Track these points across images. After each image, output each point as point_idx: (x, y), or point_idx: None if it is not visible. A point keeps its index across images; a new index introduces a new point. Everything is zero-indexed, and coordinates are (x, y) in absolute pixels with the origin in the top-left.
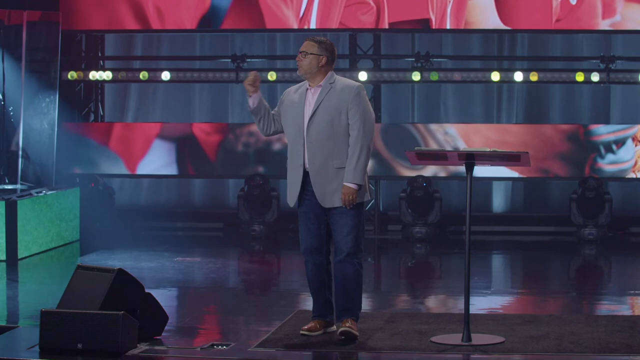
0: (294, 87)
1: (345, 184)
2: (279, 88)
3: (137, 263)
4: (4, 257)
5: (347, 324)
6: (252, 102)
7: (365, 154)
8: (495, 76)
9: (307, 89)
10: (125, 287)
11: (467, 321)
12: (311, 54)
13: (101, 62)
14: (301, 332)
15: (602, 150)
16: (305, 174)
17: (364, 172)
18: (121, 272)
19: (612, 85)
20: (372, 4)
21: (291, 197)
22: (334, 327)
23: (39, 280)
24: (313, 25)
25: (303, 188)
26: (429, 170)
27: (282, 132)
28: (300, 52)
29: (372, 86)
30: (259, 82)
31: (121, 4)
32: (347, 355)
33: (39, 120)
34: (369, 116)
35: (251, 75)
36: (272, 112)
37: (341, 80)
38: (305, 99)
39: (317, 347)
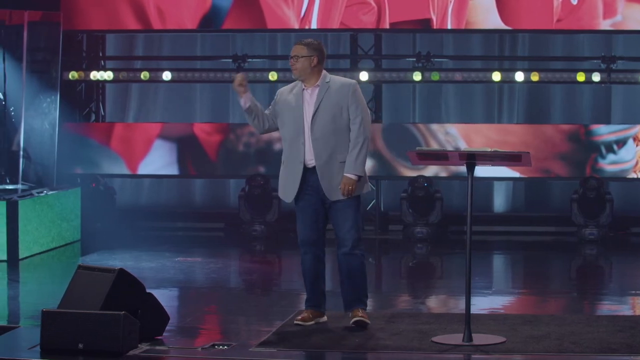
0: (287, 88)
1: (346, 174)
2: (280, 88)
3: (138, 263)
4: (5, 257)
5: (359, 314)
6: (243, 102)
7: (366, 147)
8: (496, 76)
9: (304, 89)
10: (126, 287)
11: (468, 321)
12: (302, 56)
13: (102, 62)
14: (295, 322)
15: (603, 150)
16: (305, 171)
17: (364, 164)
18: (122, 272)
19: (613, 85)
20: (373, 4)
21: (288, 193)
22: (325, 318)
23: (40, 281)
24: (314, 26)
25: (302, 184)
26: (430, 170)
27: (276, 129)
28: (292, 57)
29: (373, 86)
30: (247, 82)
31: (122, 4)
32: (348, 356)
33: (40, 120)
34: (367, 111)
35: (238, 77)
36: (266, 111)
37: (336, 78)
38: (302, 99)
39: (318, 347)
